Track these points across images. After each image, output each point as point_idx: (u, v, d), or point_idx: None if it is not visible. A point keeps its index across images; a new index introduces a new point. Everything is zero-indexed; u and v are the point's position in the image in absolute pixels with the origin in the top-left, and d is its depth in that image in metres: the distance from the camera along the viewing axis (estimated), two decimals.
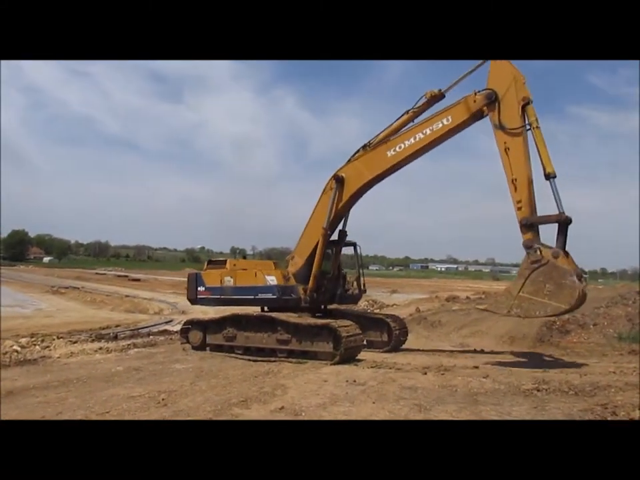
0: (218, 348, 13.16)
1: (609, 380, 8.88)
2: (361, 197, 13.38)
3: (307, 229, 13.58)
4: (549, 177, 10.26)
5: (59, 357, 12.53)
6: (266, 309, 13.29)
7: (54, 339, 15.28)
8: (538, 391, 8.22)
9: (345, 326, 11.53)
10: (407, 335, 14.55)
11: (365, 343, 12.95)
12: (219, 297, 13.55)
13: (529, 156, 10.68)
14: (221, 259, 15.19)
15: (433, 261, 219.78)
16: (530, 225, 10.40)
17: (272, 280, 12.95)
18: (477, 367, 10.79)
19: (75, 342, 15.02)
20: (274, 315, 12.41)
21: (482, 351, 14.19)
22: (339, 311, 14.26)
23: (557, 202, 10.19)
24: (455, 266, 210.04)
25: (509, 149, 10.71)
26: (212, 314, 20.51)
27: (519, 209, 10.53)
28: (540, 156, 10.43)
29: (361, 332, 11.96)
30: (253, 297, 13.00)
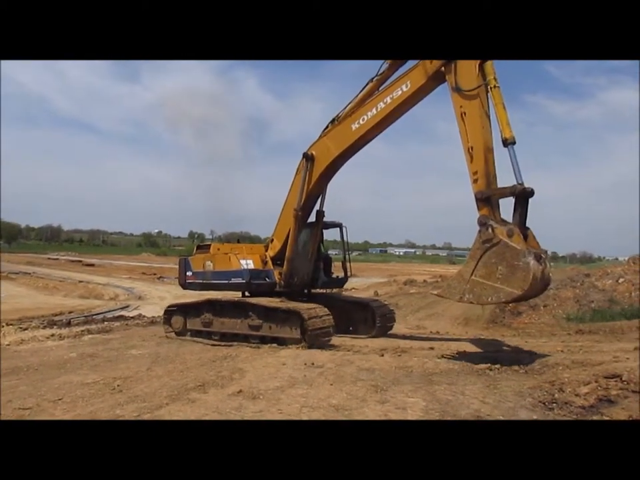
0: (198, 334, 12.87)
1: (557, 358, 9.22)
2: (334, 174, 12.60)
3: (283, 211, 13.02)
4: (507, 142, 9.00)
5: (8, 345, 12.11)
6: (247, 294, 12.99)
7: (3, 326, 14.83)
8: (490, 370, 8.47)
9: (311, 308, 11.11)
10: (394, 321, 13.76)
11: (351, 328, 12.97)
12: (201, 281, 13.36)
13: (487, 121, 9.48)
14: (208, 243, 14.80)
15: (391, 245, 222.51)
16: (486, 199, 9.17)
17: (248, 264, 12.58)
18: (432, 348, 11.01)
19: (26, 329, 14.60)
20: (245, 299, 12.19)
21: (437, 333, 14.51)
22: (322, 295, 13.62)
23: (515, 172, 8.95)
24: (413, 250, 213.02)
25: (465, 113, 9.51)
26: (169, 299, 20.30)
27: (475, 181, 9.31)
28: (498, 119, 9.18)
29: (330, 315, 11.27)
30: (227, 281, 12.73)
